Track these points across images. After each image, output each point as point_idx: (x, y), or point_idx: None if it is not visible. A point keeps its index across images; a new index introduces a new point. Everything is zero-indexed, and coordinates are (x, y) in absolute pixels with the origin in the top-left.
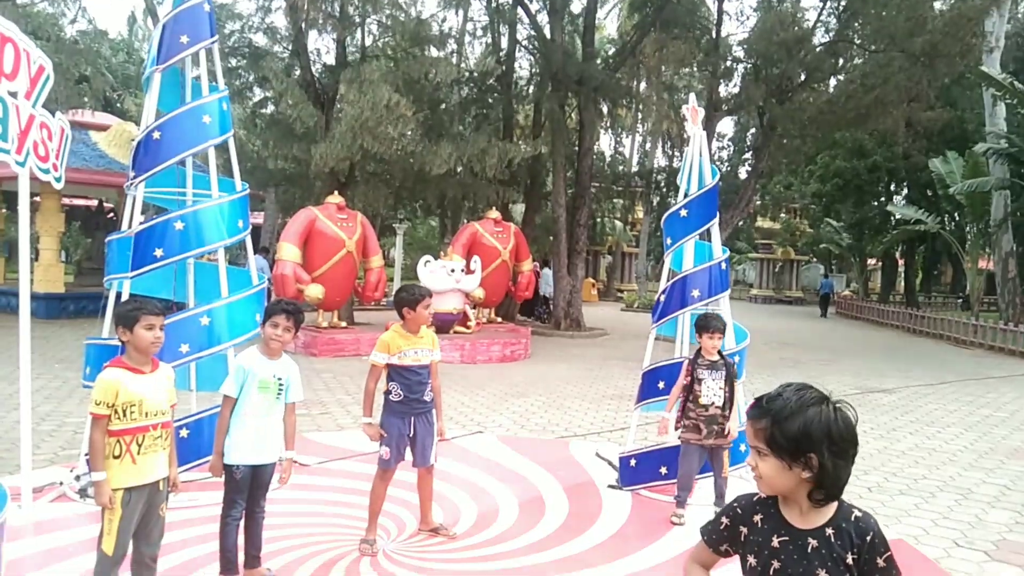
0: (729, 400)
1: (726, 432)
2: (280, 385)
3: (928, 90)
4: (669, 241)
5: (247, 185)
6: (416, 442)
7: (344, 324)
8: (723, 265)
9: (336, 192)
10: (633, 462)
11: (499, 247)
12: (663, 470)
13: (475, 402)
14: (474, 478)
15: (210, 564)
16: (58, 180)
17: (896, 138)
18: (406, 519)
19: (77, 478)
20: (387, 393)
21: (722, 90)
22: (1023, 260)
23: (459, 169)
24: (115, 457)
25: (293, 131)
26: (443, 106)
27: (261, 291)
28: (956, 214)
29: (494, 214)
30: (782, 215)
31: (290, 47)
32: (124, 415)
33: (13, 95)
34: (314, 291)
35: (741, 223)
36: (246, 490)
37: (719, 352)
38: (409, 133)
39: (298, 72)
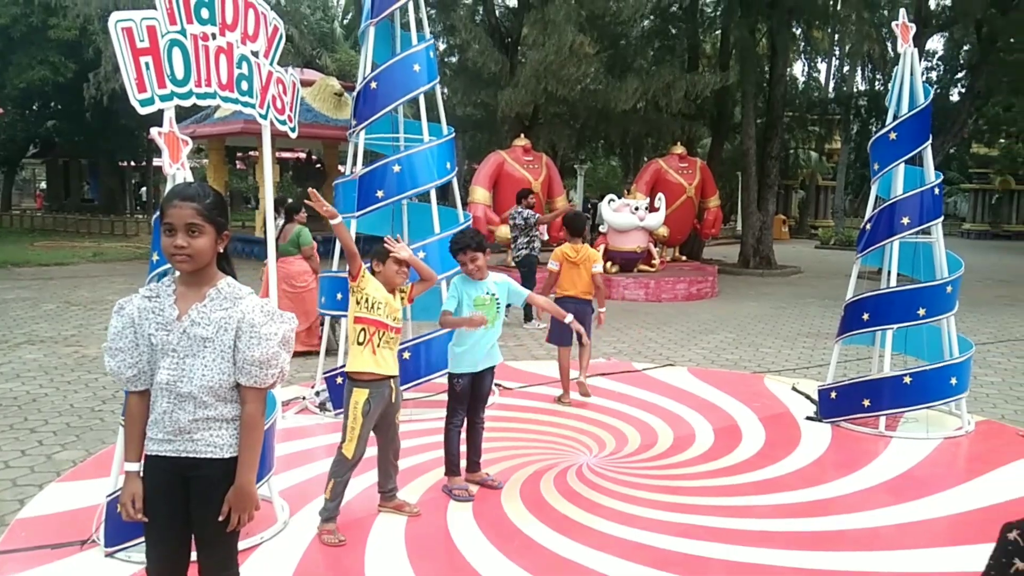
0: None
1: None
2: (496, 300)
3: None
4: (876, 167)
5: (452, 129)
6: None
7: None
8: (936, 191)
9: (522, 135)
10: (833, 395)
11: (684, 183)
12: (866, 403)
13: (663, 338)
14: (667, 405)
15: (437, 468)
16: (293, 130)
17: None
18: (605, 439)
19: (317, 394)
20: None
21: (932, 3)
22: None
23: (642, 105)
24: (359, 344)
25: (480, 78)
26: (625, 41)
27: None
28: None
29: (679, 149)
30: (1000, 140)
31: None
32: (371, 308)
33: (255, 54)
34: (504, 232)
35: (952, 150)
36: (466, 400)
37: None
38: (593, 72)
39: (480, 16)
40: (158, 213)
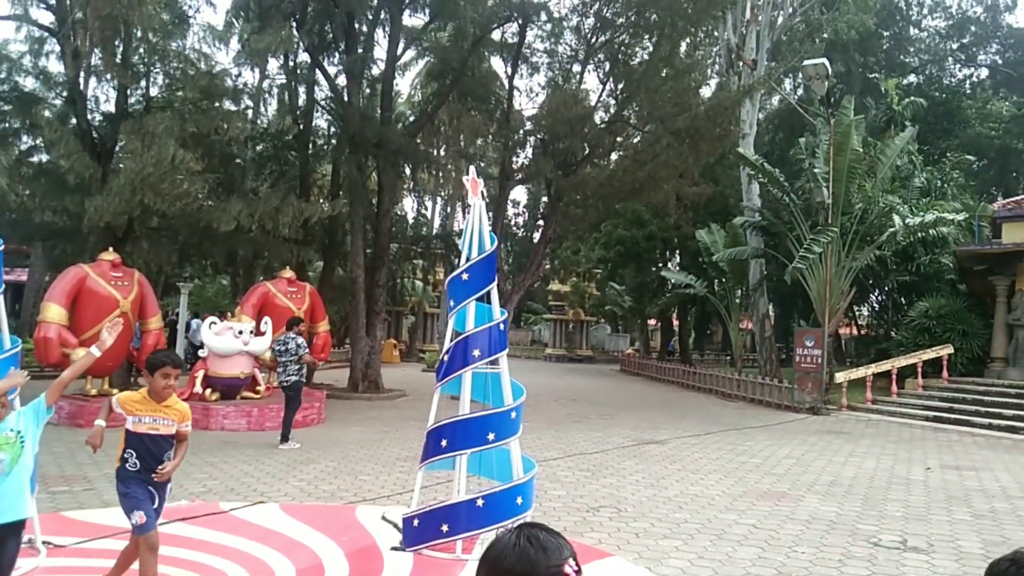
0: None
1: None
2: (20, 437)
3: (693, 168)
4: (452, 303)
5: (2, 239)
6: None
7: (116, 392)
8: (501, 326)
9: (112, 248)
10: (416, 522)
11: (293, 307)
12: (444, 528)
13: (260, 471)
14: (250, 549)
15: None
16: None
17: (668, 210)
18: None
19: None
20: (124, 460)
21: (515, 160)
22: (779, 321)
23: (252, 227)
24: None
25: (65, 183)
26: (236, 162)
27: (14, 356)
28: (721, 279)
29: (288, 273)
30: (572, 278)
31: (65, 93)
32: None
33: None
34: (81, 355)
35: (535, 285)
36: None
37: None
38: (196, 190)
39: (73, 121)
40: None
